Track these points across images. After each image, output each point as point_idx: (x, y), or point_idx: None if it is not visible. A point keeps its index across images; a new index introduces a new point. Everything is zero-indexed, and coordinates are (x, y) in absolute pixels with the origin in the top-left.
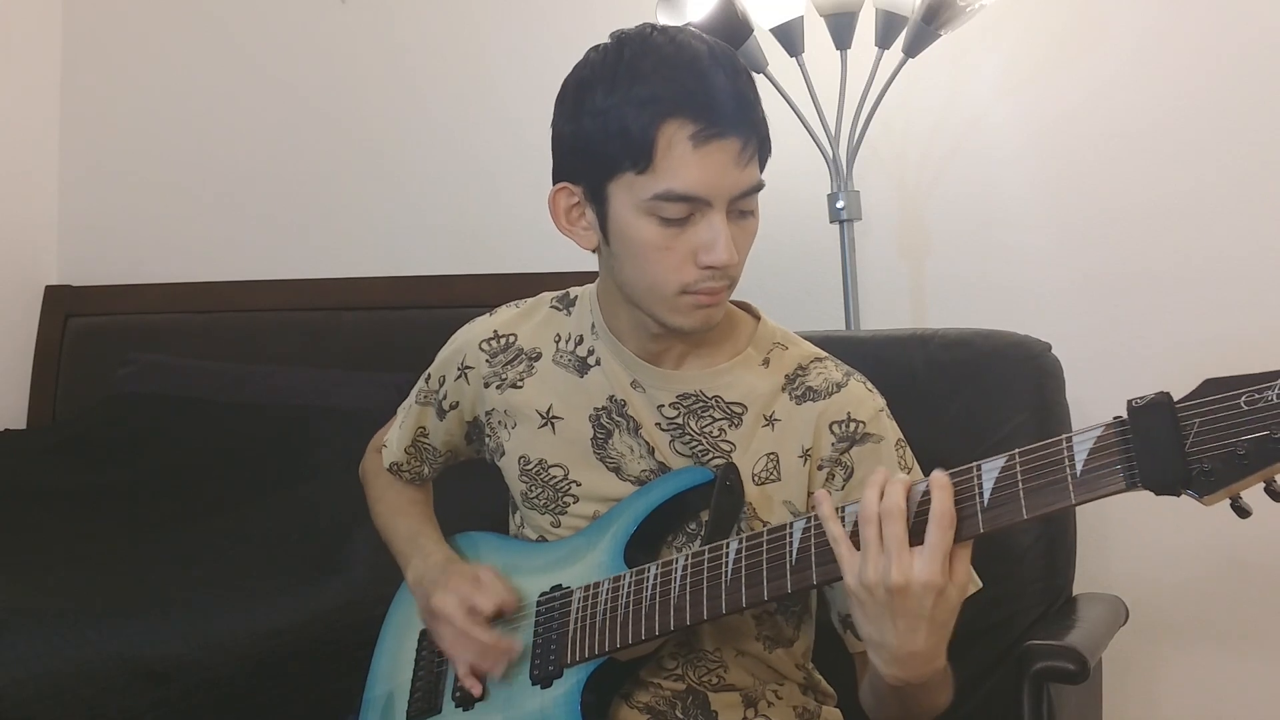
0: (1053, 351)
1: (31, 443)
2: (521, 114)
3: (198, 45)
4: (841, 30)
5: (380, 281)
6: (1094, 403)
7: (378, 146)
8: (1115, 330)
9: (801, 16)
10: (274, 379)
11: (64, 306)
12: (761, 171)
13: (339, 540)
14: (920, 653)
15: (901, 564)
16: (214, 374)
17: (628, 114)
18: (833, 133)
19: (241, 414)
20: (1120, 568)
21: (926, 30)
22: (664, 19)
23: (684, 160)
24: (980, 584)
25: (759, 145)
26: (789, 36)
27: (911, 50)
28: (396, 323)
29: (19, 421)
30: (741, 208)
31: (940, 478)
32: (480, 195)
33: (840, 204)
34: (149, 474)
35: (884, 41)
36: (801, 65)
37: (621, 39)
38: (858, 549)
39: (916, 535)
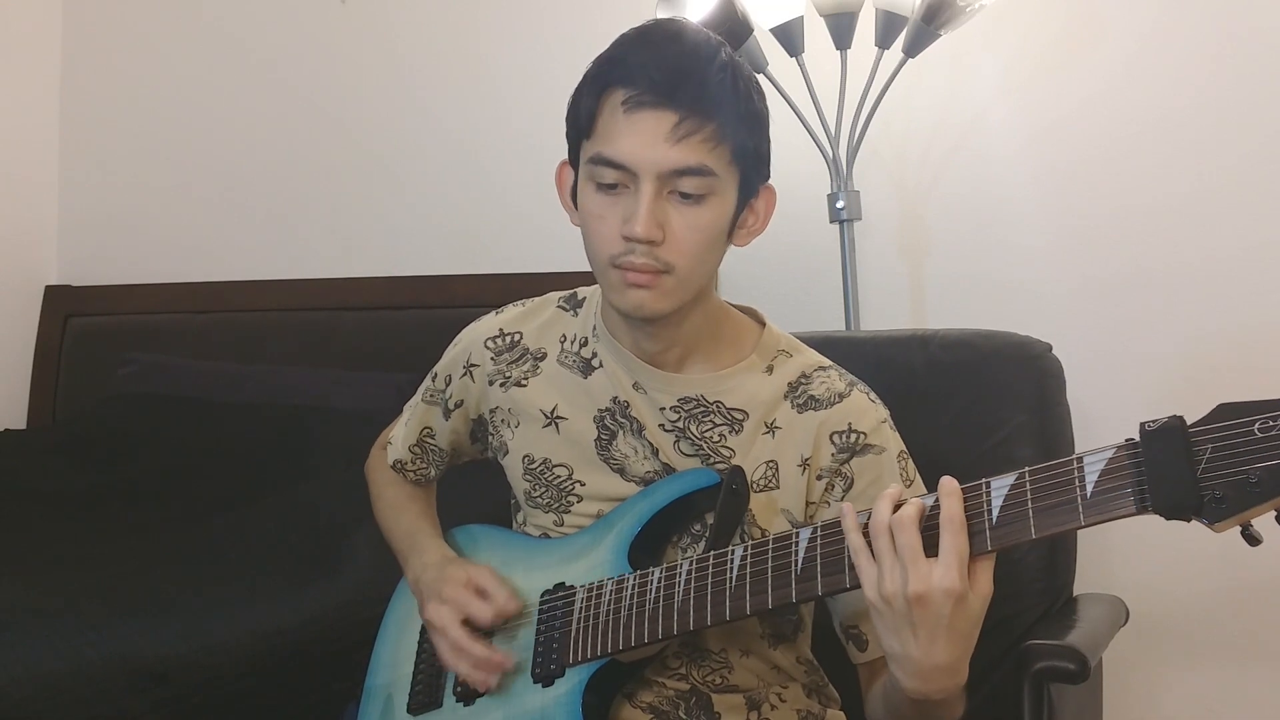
0: (1053, 352)
1: (31, 443)
2: (522, 114)
3: (198, 45)
4: (841, 30)
5: (380, 281)
6: (1094, 403)
7: (378, 146)
8: (1115, 330)
9: (801, 16)
10: (274, 379)
11: (64, 306)
12: (736, 165)
13: (339, 540)
14: (943, 665)
15: (919, 572)
16: (214, 374)
17: (584, 86)
18: (833, 133)
19: (241, 414)
20: (1121, 568)
21: (926, 30)
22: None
23: (613, 125)
24: None
25: (713, 129)
26: (789, 36)
27: (911, 50)
28: (396, 323)
29: (19, 421)
30: (683, 189)
31: (949, 484)
32: (480, 195)
33: (840, 204)
34: (149, 474)
35: (884, 41)
36: (801, 65)
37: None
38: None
39: (931, 547)
